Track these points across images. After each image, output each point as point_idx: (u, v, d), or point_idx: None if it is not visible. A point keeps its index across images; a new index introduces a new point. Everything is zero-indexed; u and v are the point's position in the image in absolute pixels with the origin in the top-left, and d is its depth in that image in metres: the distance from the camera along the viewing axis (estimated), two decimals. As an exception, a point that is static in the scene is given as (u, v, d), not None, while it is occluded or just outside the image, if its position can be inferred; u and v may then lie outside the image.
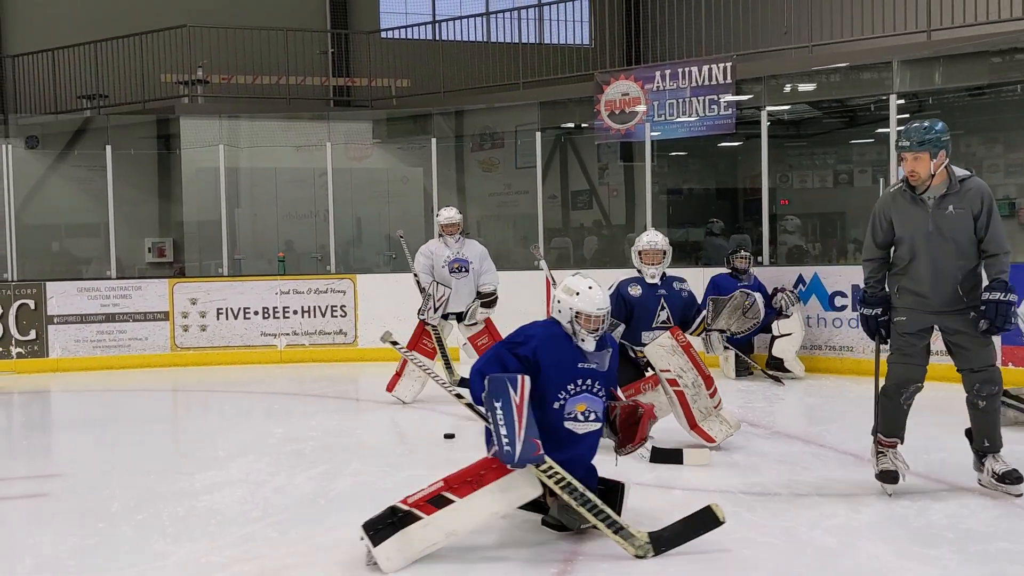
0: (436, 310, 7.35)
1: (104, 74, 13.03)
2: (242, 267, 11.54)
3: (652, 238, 6.20)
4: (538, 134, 10.80)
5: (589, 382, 4.02)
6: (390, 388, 7.47)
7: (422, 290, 7.52)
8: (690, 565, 3.70)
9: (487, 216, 12.93)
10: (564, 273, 5.05)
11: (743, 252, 8.86)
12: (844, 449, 5.63)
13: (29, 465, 6.16)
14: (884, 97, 9.08)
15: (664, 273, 6.17)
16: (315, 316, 10.46)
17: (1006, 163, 10.79)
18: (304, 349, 10.42)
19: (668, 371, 5.50)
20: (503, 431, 3.65)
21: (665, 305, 6.07)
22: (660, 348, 5.52)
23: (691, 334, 6.08)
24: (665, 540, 3.79)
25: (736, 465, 5.34)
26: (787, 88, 10.18)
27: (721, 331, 7.34)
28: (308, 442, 6.33)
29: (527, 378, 3.77)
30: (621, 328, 6.07)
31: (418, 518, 3.67)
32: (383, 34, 15.27)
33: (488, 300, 7.70)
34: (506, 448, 3.66)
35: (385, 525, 3.68)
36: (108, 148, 10.83)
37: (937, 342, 4.61)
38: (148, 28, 12.65)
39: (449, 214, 7.80)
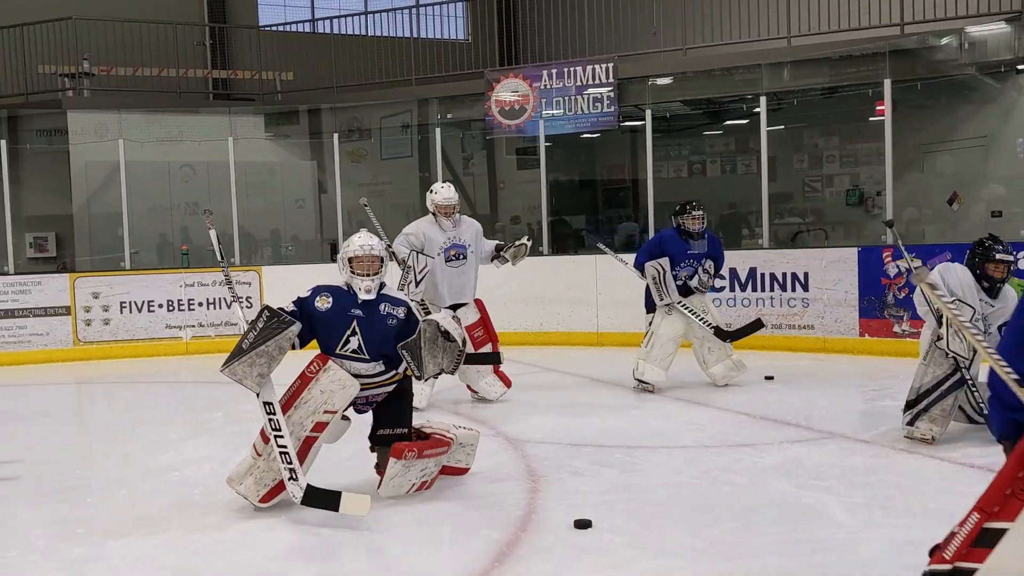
0: (418, 284, 6.53)
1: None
2: (137, 262, 11.54)
3: (365, 240, 4.49)
4: (437, 130, 11.38)
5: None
6: None
7: (401, 262, 6.57)
8: (627, 505, 4.35)
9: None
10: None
11: (696, 211, 6.96)
12: (738, 410, 6.46)
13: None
14: (750, 96, 10.09)
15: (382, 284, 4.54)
16: (221, 308, 10.68)
17: (842, 155, 11.98)
18: (211, 340, 10.64)
19: None
20: None
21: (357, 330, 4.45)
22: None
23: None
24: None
25: (654, 427, 6.12)
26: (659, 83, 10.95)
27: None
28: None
29: None
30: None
31: (973, 571, 2.52)
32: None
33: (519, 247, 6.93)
34: None
35: None
36: (3, 143, 10.74)
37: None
38: (29, 20, 12.46)
39: (447, 194, 6.66)
